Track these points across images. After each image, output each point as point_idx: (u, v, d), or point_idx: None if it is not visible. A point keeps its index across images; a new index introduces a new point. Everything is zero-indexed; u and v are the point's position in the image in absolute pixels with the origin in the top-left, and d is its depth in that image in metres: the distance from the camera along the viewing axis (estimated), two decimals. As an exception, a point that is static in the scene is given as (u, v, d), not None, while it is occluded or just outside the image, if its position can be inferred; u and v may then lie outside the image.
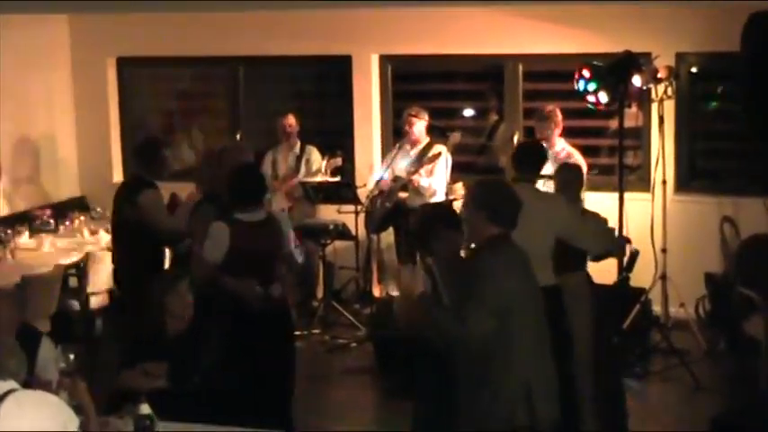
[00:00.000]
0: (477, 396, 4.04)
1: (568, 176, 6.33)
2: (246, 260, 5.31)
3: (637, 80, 7.19)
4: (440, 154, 7.88)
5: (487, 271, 4.03)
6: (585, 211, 6.20)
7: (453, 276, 4.28)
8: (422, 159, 7.95)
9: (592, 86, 7.21)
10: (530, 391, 4.03)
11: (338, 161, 8.21)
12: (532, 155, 5.83)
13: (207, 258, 5.33)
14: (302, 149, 8.48)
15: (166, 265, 6.67)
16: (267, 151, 8.57)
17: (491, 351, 4.01)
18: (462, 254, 4.52)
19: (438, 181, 7.94)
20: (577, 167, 6.67)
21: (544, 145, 6.71)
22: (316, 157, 8.46)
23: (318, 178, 8.16)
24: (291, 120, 8.48)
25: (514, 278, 4.08)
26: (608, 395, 5.62)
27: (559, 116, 7.69)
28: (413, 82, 8.97)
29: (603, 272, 6.57)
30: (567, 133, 7.81)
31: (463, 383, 4.11)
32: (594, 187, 7.70)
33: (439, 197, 7.91)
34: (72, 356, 4.08)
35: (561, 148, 7.69)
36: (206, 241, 5.34)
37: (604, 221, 6.17)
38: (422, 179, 7.91)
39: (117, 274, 6.77)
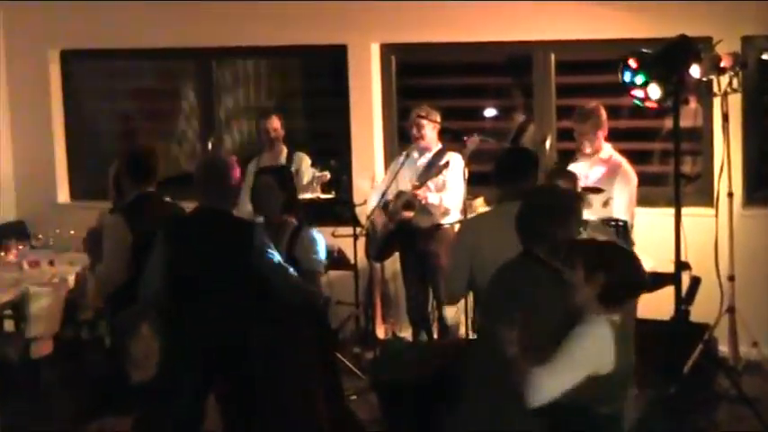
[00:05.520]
0: None
1: (563, 184, 6.37)
2: None
3: (695, 70, 7.17)
4: (447, 164, 7.91)
5: None
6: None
7: None
8: (430, 170, 7.98)
9: (639, 79, 7.17)
10: None
11: (326, 175, 8.23)
12: (516, 164, 5.77)
13: None
14: (290, 158, 8.51)
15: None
16: (250, 159, 8.58)
17: None
18: None
19: (452, 197, 7.95)
20: (573, 175, 6.75)
21: (543, 148, 6.64)
22: (306, 168, 8.47)
23: (309, 194, 8.13)
24: (275, 122, 8.49)
25: None
26: None
27: (604, 115, 7.69)
28: (421, 76, 8.98)
29: (658, 304, 6.59)
30: (610, 136, 7.81)
31: None
32: (645, 201, 7.75)
33: (453, 216, 7.95)
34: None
35: (608, 155, 7.69)
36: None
37: None
38: (430, 195, 7.93)
39: None
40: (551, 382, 4.07)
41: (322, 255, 6.01)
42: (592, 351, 4.10)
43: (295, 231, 5.94)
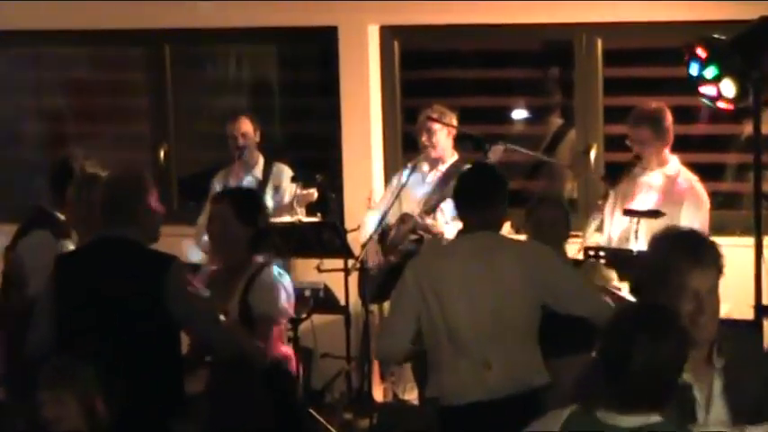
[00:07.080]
0: None
1: (551, 214, 6.76)
2: None
3: (779, 62, 7.18)
4: None
5: None
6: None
7: None
8: (444, 187, 7.92)
9: (710, 72, 7.16)
10: None
11: (312, 194, 8.21)
12: (480, 187, 5.97)
13: None
14: (267, 170, 8.52)
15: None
16: (214, 171, 8.68)
17: None
18: None
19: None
20: (561, 204, 7.06)
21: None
22: (288, 183, 8.47)
23: (289, 218, 8.14)
24: (246, 125, 8.51)
25: None
26: None
27: (669, 119, 7.66)
28: (432, 67, 9.02)
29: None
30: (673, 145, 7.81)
31: None
32: (717, 228, 7.64)
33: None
34: None
35: (676, 170, 7.67)
36: None
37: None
38: (443, 219, 7.93)
39: None
40: None
41: (283, 300, 5.88)
42: None
43: (256, 272, 5.85)
